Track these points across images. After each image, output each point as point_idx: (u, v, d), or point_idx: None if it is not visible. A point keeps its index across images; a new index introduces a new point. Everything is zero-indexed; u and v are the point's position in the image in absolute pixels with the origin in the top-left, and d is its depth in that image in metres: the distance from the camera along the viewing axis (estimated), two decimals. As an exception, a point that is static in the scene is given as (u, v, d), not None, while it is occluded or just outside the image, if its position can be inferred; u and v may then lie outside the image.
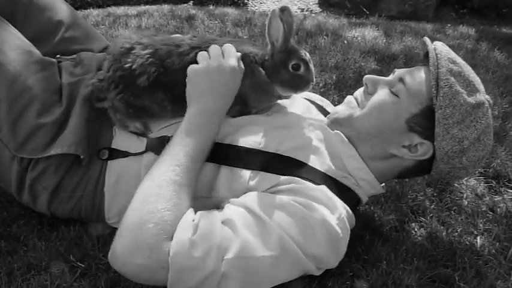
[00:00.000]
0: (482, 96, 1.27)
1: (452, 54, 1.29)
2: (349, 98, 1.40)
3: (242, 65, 1.29)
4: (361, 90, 1.38)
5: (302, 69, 1.29)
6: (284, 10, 1.27)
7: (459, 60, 1.30)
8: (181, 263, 1.02)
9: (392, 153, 1.30)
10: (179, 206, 1.08)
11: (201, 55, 1.28)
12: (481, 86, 1.30)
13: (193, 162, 1.16)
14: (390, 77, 1.35)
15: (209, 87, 1.25)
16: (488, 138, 1.28)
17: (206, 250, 1.02)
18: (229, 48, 1.29)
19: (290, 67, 1.29)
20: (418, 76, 1.29)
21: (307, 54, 1.32)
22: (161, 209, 1.06)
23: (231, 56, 1.27)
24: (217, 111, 1.25)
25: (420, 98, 1.26)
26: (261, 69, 1.31)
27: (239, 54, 1.30)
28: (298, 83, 1.31)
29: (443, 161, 1.27)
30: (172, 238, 1.03)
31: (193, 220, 1.07)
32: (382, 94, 1.31)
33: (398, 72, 1.34)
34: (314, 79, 1.32)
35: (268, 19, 1.25)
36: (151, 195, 1.08)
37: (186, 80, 1.27)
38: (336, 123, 1.36)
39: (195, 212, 1.11)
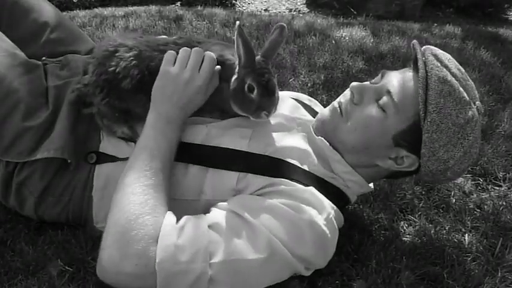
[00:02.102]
0: (473, 105, 1.23)
1: (444, 71, 1.21)
2: (334, 105, 1.34)
3: (217, 81, 1.27)
4: (347, 96, 1.32)
5: (255, 93, 1.19)
6: (277, 29, 1.24)
7: (451, 75, 1.21)
8: (168, 268, 1.01)
9: (378, 164, 1.30)
10: (157, 208, 1.08)
11: (180, 58, 1.24)
12: (472, 93, 1.25)
13: (161, 163, 1.16)
14: (377, 82, 1.30)
15: (172, 96, 1.23)
16: (475, 147, 1.26)
17: (192, 254, 1.02)
18: (208, 62, 1.24)
19: (246, 86, 1.20)
20: (407, 88, 1.23)
21: (273, 81, 1.20)
22: (140, 214, 1.05)
23: (204, 72, 1.23)
24: (176, 120, 1.23)
25: (408, 114, 1.22)
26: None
27: (218, 68, 1.26)
28: (247, 106, 1.22)
29: (427, 176, 1.28)
30: (157, 242, 1.02)
31: (177, 223, 1.07)
32: (368, 110, 1.26)
33: (386, 80, 1.28)
34: (271, 110, 1.21)
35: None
36: (127, 204, 1.08)
37: (158, 75, 1.24)
38: (321, 131, 1.33)
39: (182, 215, 1.10)
